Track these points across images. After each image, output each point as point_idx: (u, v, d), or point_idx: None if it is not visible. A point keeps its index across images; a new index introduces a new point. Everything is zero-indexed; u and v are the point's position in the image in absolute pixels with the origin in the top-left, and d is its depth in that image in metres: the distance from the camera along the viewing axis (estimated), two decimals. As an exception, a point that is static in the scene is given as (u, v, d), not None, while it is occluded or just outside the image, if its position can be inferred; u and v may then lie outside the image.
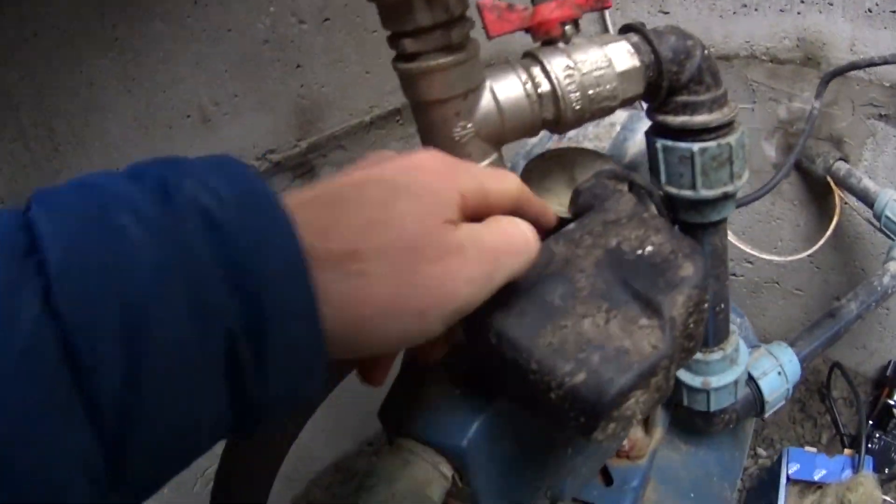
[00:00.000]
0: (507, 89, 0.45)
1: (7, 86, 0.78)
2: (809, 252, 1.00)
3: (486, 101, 0.45)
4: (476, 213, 0.31)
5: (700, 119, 0.51)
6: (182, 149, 0.93)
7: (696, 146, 0.51)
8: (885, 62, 0.74)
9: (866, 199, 0.94)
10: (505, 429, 0.47)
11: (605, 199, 0.47)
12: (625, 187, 0.53)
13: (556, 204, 0.50)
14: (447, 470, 0.46)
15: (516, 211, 0.34)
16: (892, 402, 1.03)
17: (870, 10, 0.87)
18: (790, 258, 0.99)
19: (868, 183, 0.94)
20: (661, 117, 0.52)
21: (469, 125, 0.45)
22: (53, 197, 0.21)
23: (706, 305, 0.42)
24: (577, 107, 0.46)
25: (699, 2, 0.93)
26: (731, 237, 1.04)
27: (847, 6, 0.88)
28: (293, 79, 0.98)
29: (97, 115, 0.85)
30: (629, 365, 0.34)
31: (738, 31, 0.94)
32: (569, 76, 0.46)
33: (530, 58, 0.47)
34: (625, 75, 0.47)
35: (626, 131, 0.66)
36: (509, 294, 0.36)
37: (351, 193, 0.28)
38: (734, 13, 0.93)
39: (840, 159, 0.98)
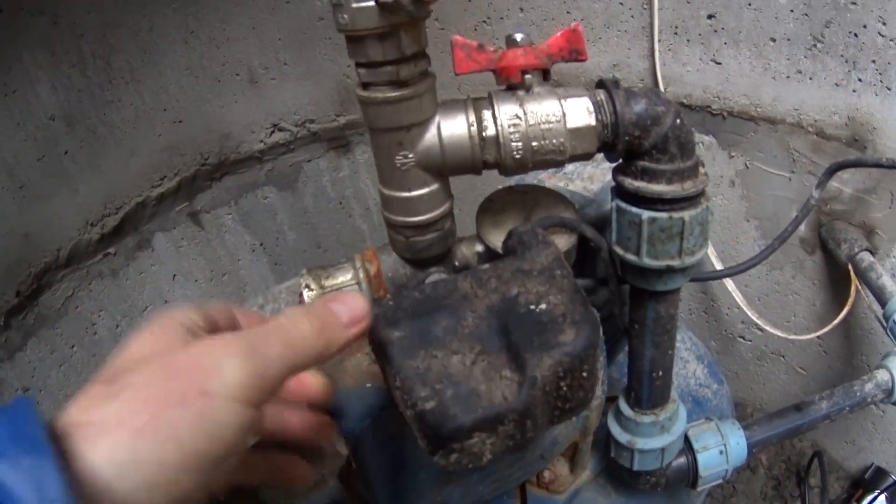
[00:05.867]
0: (452, 127, 0.47)
1: (75, 15, 0.85)
2: (817, 334, 0.96)
3: (430, 135, 0.47)
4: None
5: (655, 188, 0.49)
6: (227, 102, 0.99)
7: (645, 214, 0.50)
8: (892, 166, 0.68)
9: (881, 297, 0.90)
10: (401, 428, 0.50)
11: (530, 247, 0.47)
12: (553, 240, 0.54)
13: (500, 240, 0.52)
14: (343, 449, 0.50)
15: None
16: (857, 506, 0.99)
17: (930, 103, 0.82)
18: (798, 336, 0.95)
19: (886, 281, 0.89)
20: (620, 178, 0.52)
21: (410, 155, 0.48)
22: None
23: (586, 374, 0.43)
24: (518, 155, 0.47)
25: (754, 59, 0.89)
26: (742, 302, 1.01)
27: (906, 94, 0.83)
28: (342, 58, 1.02)
29: (153, 58, 0.92)
30: (475, 408, 0.36)
31: (788, 96, 0.90)
32: (514, 125, 0.47)
33: (486, 100, 0.48)
34: (576, 132, 0.48)
35: (619, 179, 0.65)
36: (404, 314, 0.39)
37: None
38: (787, 77, 0.89)
39: (866, 249, 0.93)
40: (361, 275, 0.53)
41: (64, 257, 0.91)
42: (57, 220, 0.90)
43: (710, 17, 0.89)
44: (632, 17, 0.93)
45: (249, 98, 0.99)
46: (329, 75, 1.03)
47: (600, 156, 0.52)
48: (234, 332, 0.33)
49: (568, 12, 0.94)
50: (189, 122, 0.98)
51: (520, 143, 0.47)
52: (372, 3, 0.41)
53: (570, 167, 0.72)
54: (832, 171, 0.61)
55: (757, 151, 0.95)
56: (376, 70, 0.44)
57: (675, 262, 0.52)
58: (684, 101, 0.96)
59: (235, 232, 1.12)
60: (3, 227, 0.83)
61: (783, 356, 1.13)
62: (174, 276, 1.04)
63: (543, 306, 0.43)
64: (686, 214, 0.50)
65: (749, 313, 1.00)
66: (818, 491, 1.08)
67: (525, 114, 0.47)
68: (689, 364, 0.86)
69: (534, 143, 0.47)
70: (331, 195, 1.23)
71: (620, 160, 0.51)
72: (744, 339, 1.16)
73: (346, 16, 0.42)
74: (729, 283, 1.00)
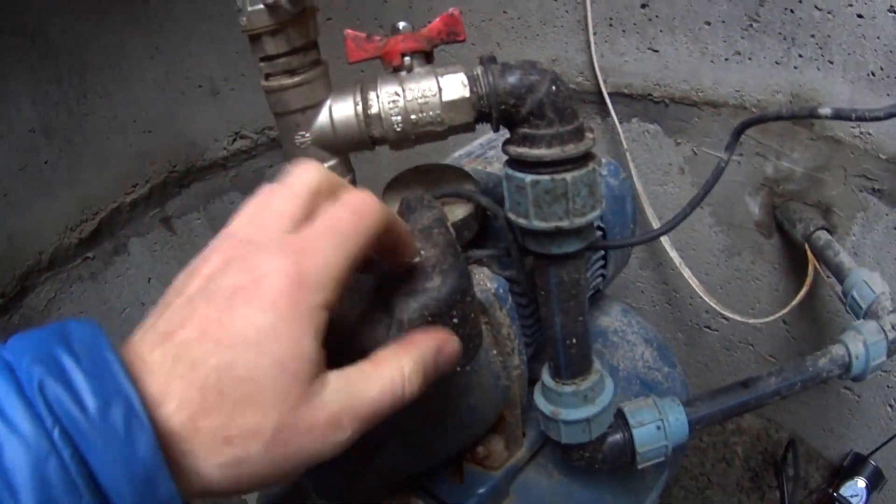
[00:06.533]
0: (341, 109, 0.52)
1: (51, 35, 0.92)
2: (778, 315, 0.96)
3: (322, 116, 0.53)
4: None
5: (536, 152, 0.51)
6: (192, 112, 1.05)
7: (528, 177, 0.52)
8: (792, 116, 0.66)
9: (839, 274, 0.89)
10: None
11: (415, 210, 0.51)
12: (450, 209, 0.57)
13: (398, 211, 0.55)
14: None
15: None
16: (834, 494, 0.97)
17: (872, 74, 0.82)
18: (761, 320, 0.95)
19: (844, 259, 0.89)
20: (506, 147, 0.54)
21: (307, 135, 0.54)
22: None
23: (457, 320, 0.45)
24: (399, 129, 0.51)
25: (690, 44, 0.91)
26: (701, 291, 1.01)
27: (848, 66, 0.84)
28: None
29: (123, 73, 0.98)
30: (350, 349, 0.39)
31: (728, 78, 0.91)
32: (393, 101, 0.51)
33: (373, 83, 0.53)
34: (451, 104, 0.51)
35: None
36: None
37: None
38: (726, 60, 0.90)
39: (822, 228, 0.93)
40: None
41: (46, 261, 0.97)
42: (39, 225, 0.96)
43: (643, 6, 0.91)
44: (566, 12, 0.96)
45: (211, 108, 1.05)
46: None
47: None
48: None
49: (504, 12, 0.98)
50: (157, 132, 1.04)
51: (399, 118, 0.51)
52: (262, 6, 0.48)
53: (491, 152, 0.74)
54: (739, 132, 0.62)
55: (703, 137, 0.96)
56: (272, 62, 0.50)
57: (564, 224, 0.53)
58: (625, 90, 0.98)
59: (205, 236, 1.17)
60: (-12, 233, 0.89)
61: (751, 345, 1.12)
62: (149, 279, 1.09)
63: (417, 259, 0.46)
64: (569, 176, 0.51)
65: (710, 302, 1.00)
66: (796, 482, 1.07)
67: (404, 91, 0.51)
68: (636, 347, 0.87)
69: (412, 117, 0.51)
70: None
71: (506, 131, 0.54)
72: (710, 329, 1.16)
73: (244, 19, 0.49)
74: (685, 271, 1.00)
